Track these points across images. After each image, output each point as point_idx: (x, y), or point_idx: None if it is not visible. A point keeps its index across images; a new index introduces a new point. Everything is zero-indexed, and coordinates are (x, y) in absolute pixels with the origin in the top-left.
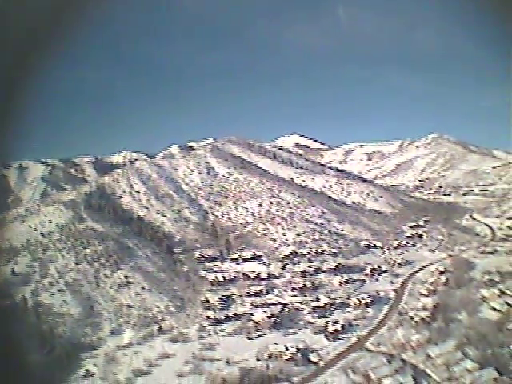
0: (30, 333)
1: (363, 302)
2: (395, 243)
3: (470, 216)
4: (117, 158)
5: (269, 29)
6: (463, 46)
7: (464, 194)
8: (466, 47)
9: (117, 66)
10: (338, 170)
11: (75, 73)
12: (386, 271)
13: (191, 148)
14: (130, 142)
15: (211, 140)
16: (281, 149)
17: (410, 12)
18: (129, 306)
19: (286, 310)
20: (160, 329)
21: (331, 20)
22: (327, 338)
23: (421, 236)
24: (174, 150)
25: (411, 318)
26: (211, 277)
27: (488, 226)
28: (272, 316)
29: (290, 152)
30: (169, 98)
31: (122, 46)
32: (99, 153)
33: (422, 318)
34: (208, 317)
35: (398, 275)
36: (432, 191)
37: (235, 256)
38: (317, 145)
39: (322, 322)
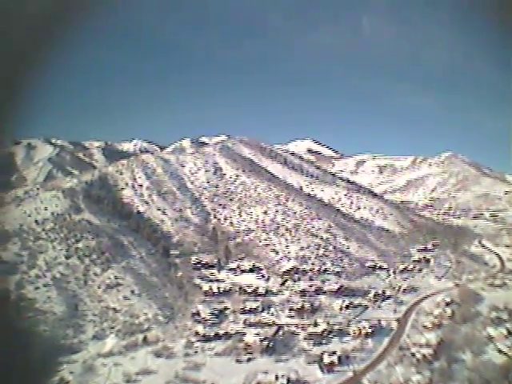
0: (6, 328)
1: (363, 331)
2: (401, 266)
3: (479, 242)
4: (127, 146)
5: (293, 33)
6: (479, 67)
7: (474, 218)
8: (482, 68)
9: (142, 53)
10: (348, 181)
11: (94, 55)
12: (389, 297)
13: (203, 143)
14: (146, 131)
15: (224, 137)
16: (292, 154)
17: (432, 32)
18: (115, 310)
19: (280, 332)
20: (145, 339)
21: (352, 30)
22: (321, 370)
23: (428, 261)
24: (186, 143)
25: (413, 354)
26: (206, 286)
27: (497, 255)
28: (265, 339)
29: (301, 158)
30: (189, 91)
31: (143, 32)
32: (113, 139)
33: (424, 356)
34: (197, 332)
35: (401, 302)
36: (441, 212)
37: (233, 265)
38: (329, 152)
39: (317, 350)
